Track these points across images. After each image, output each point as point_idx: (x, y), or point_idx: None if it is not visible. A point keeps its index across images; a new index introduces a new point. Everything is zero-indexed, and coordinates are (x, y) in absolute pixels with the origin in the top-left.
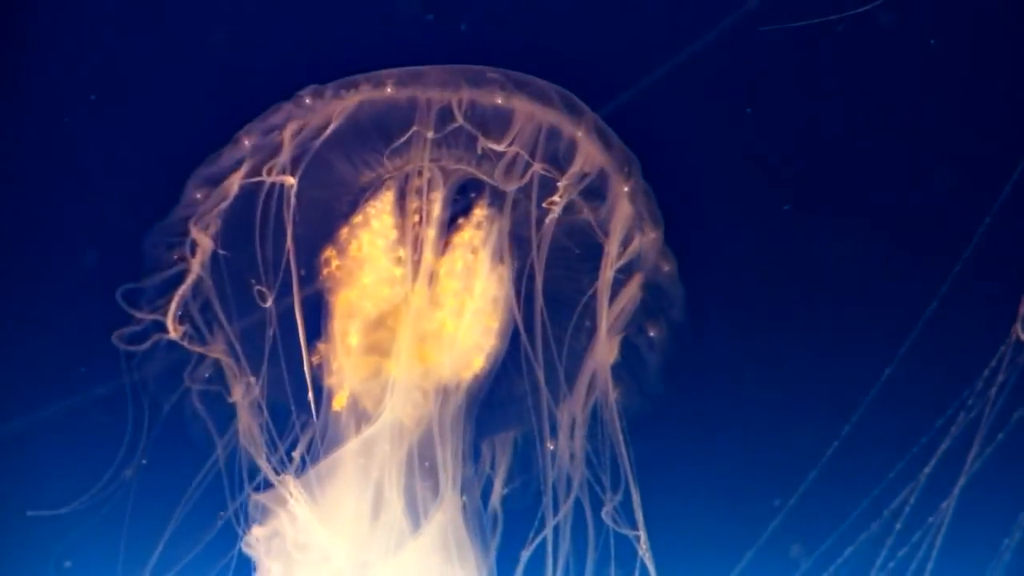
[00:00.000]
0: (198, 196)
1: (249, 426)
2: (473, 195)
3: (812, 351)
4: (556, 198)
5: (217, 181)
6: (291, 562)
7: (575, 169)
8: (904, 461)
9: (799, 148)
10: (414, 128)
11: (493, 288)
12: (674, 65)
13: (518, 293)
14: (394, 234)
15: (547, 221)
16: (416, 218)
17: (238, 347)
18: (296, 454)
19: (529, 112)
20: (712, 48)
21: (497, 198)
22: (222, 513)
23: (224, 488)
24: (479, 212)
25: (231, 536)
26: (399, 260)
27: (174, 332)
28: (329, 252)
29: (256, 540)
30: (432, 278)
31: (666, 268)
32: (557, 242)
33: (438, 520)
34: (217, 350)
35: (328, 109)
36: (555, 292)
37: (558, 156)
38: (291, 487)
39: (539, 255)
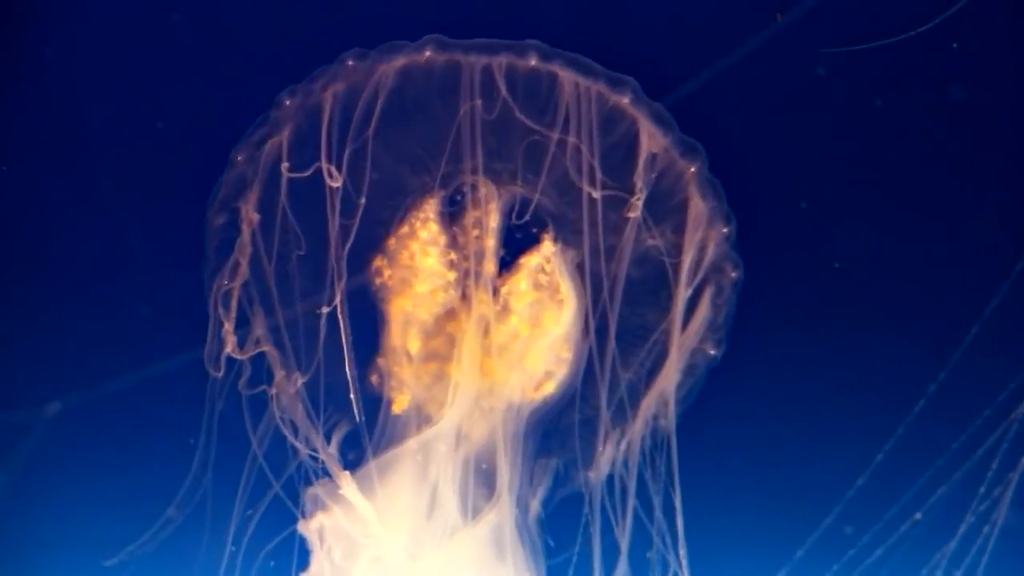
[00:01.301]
0: (240, 160)
1: (304, 420)
2: (536, 230)
3: (859, 358)
4: (634, 200)
5: (259, 146)
6: (347, 551)
7: (643, 153)
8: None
9: (848, 159)
10: (462, 107)
11: (567, 321)
12: (720, 69)
13: (586, 327)
14: (444, 239)
15: (627, 227)
16: (475, 231)
17: (287, 341)
18: (333, 446)
19: (574, 81)
20: (761, 55)
21: (563, 229)
22: (249, 513)
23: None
24: (548, 244)
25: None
26: (452, 264)
27: (230, 339)
28: (379, 262)
29: (313, 528)
30: (495, 293)
31: (733, 274)
32: (626, 275)
33: (490, 520)
34: (263, 343)
35: (370, 73)
36: (618, 328)
37: (617, 140)
38: (348, 479)
39: (612, 290)
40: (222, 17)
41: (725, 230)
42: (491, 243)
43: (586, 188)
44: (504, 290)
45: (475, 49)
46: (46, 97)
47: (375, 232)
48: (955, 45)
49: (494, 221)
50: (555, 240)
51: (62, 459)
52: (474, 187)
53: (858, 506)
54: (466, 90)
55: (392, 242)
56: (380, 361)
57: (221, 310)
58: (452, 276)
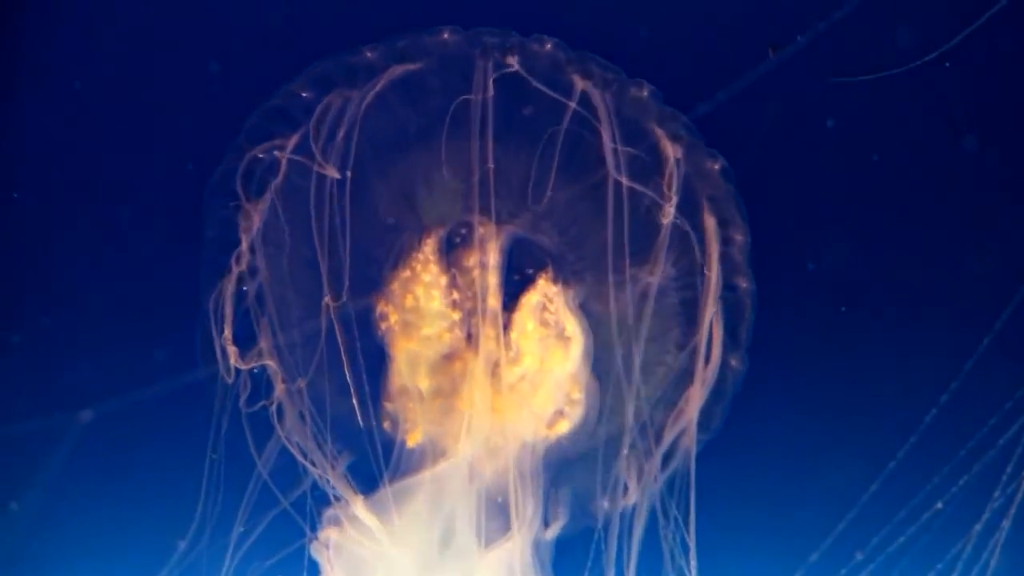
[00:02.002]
0: (244, 153)
1: (312, 441)
2: (532, 271)
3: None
4: (667, 206)
5: (263, 141)
6: (356, 572)
7: (669, 157)
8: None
9: (854, 173)
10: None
11: (575, 359)
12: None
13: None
14: (445, 279)
15: (663, 231)
16: (475, 270)
17: (288, 357)
18: (342, 469)
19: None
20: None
21: (563, 270)
22: (242, 529)
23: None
24: (546, 283)
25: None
26: (455, 303)
27: (231, 350)
28: (383, 307)
29: (323, 549)
30: (501, 330)
31: (745, 285)
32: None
33: (504, 550)
34: (265, 357)
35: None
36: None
37: (640, 150)
38: (359, 501)
39: (633, 326)
40: (259, 62)
41: (740, 239)
42: (493, 280)
43: (613, 175)
44: (509, 329)
45: (490, 33)
46: (77, 126)
47: (370, 271)
48: (947, 64)
49: (494, 259)
50: (555, 280)
51: (95, 463)
52: (474, 225)
53: (871, 511)
54: (479, 77)
55: (395, 287)
56: (388, 403)
57: (221, 315)
58: (457, 316)
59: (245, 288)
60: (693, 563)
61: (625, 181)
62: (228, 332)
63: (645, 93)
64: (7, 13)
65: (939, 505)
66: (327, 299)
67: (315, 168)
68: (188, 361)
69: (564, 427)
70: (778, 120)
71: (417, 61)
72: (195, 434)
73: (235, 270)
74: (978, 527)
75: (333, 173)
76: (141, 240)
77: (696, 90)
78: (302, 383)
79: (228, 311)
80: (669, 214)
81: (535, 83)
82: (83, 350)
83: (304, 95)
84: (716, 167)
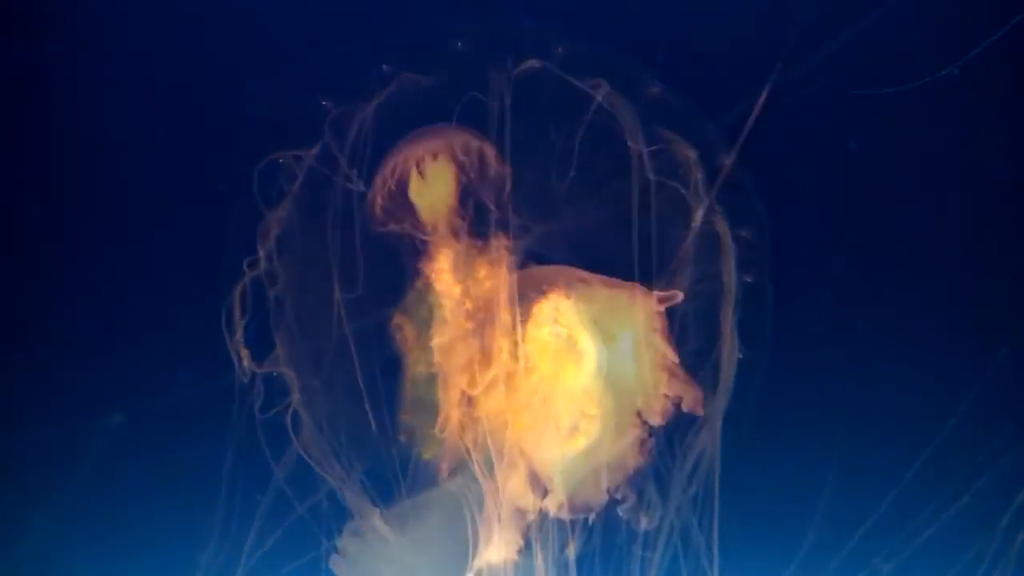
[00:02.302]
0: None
1: (329, 452)
2: (546, 286)
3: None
4: (697, 212)
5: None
6: None
7: (691, 156)
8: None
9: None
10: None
11: (588, 374)
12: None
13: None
14: (458, 290)
15: (688, 236)
16: (488, 283)
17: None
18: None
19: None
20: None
21: (573, 284)
22: (258, 551)
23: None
24: (558, 296)
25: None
26: (468, 315)
27: (243, 353)
28: (399, 318)
29: (340, 558)
30: (515, 342)
31: (749, 280)
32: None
33: (524, 563)
34: (282, 364)
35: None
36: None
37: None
38: (376, 514)
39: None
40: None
41: (756, 242)
42: (505, 292)
43: (641, 176)
44: (522, 342)
45: (507, 32)
46: (108, 139)
47: (385, 282)
48: (956, 72)
49: (507, 271)
50: (567, 294)
51: (126, 465)
52: (487, 236)
53: (888, 517)
54: (495, 84)
55: (410, 298)
56: (404, 415)
57: (235, 319)
58: (470, 327)
59: (264, 294)
60: (716, 569)
61: (652, 177)
62: (240, 335)
63: (661, 94)
64: (35, 28)
65: (965, 499)
66: (337, 295)
67: (335, 177)
68: (208, 368)
69: (580, 442)
70: (793, 131)
71: (433, 69)
72: (213, 442)
73: (248, 275)
74: (1002, 522)
75: (350, 181)
76: (163, 248)
77: (712, 101)
78: (315, 384)
79: (241, 315)
80: (699, 218)
81: (551, 85)
82: (101, 360)
83: (322, 103)
84: (730, 167)
